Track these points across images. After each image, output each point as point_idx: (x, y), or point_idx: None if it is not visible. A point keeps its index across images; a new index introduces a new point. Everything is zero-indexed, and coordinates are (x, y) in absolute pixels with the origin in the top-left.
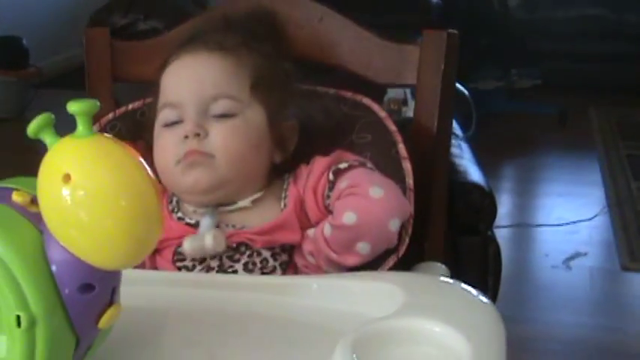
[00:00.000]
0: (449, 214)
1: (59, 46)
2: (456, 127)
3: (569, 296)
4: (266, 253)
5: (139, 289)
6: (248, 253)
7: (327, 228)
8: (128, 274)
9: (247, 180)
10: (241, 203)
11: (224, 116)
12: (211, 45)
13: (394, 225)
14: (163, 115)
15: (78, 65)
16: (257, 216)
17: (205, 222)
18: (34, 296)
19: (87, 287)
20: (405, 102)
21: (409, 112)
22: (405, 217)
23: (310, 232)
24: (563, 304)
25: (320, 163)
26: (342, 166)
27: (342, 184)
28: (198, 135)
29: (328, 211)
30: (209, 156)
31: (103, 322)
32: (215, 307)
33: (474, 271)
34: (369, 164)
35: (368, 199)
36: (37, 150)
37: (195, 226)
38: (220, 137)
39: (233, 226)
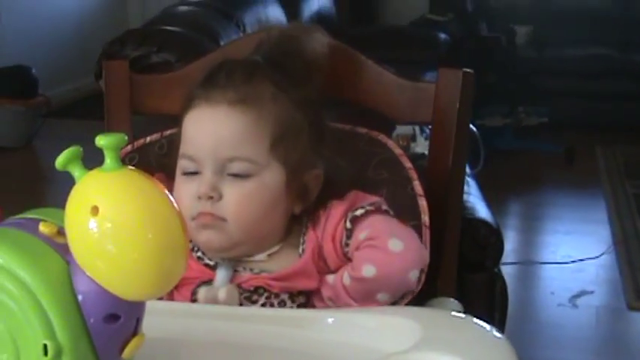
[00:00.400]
0: None
1: (68, 76)
2: None
3: (575, 335)
4: (284, 296)
5: (157, 319)
6: (266, 295)
7: (346, 277)
8: (148, 305)
9: (262, 240)
10: (258, 257)
11: (239, 176)
12: (232, 95)
13: (414, 276)
14: (182, 164)
15: (86, 95)
16: (275, 263)
17: (220, 275)
18: (60, 325)
19: (112, 317)
20: (413, 138)
21: (417, 147)
22: (425, 266)
23: (330, 278)
24: (569, 343)
25: (337, 208)
26: (359, 212)
27: (361, 234)
28: (211, 197)
29: (347, 258)
30: (221, 219)
31: (127, 352)
32: (231, 339)
33: (481, 307)
34: (384, 206)
35: (387, 252)
36: (45, 179)
37: (214, 268)
38: (233, 201)
39: (251, 269)
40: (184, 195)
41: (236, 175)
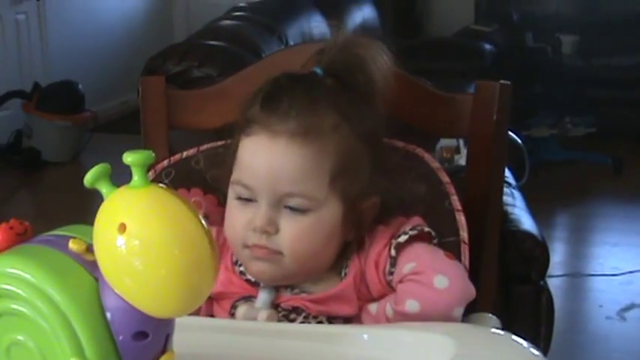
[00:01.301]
0: (501, 263)
1: (114, 91)
2: (508, 176)
3: (624, 348)
4: (321, 318)
5: (191, 335)
6: (304, 315)
7: (389, 309)
8: (181, 321)
9: (315, 271)
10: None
11: (297, 210)
12: (294, 126)
13: (458, 312)
14: (237, 190)
15: (132, 110)
16: (316, 285)
17: (262, 297)
18: (89, 343)
19: (141, 335)
20: (457, 150)
21: (461, 160)
22: (470, 300)
23: (372, 307)
24: (618, 356)
25: (382, 234)
26: (402, 239)
27: (406, 266)
28: (267, 232)
29: (390, 287)
30: (277, 253)
31: None
32: (266, 355)
33: (527, 320)
34: (427, 228)
35: (432, 289)
36: (91, 193)
37: (256, 285)
38: (290, 236)
39: (291, 289)
40: (238, 222)
41: (293, 209)
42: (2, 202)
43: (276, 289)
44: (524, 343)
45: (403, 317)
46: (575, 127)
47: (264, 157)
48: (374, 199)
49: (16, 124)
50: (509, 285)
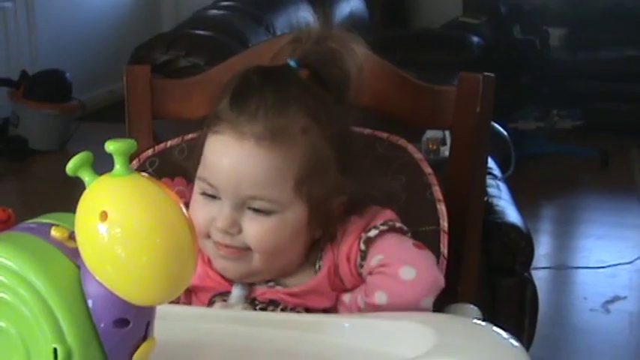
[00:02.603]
0: (486, 254)
1: (101, 79)
2: (494, 168)
3: (608, 341)
4: (299, 309)
5: (172, 323)
6: (281, 307)
7: (360, 300)
8: (162, 309)
9: (281, 269)
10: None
11: (261, 212)
12: (261, 129)
13: (427, 303)
14: (201, 185)
15: (120, 99)
16: (291, 278)
17: (236, 292)
18: (70, 329)
19: (122, 322)
20: (443, 141)
21: (447, 151)
22: (439, 291)
23: (345, 298)
24: (602, 349)
25: (354, 226)
26: (372, 234)
27: (374, 259)
28: (230, 233)
29: (362, 278)
30: (245, 249)
31: (138, 356)
32: (246, 343)
33: (511, 312)
34: (399, 223)
35: (398, 281)
36: (78, 182)
37: (231, 281)
38: (254, 236)
39: (266, 282)
40: (201, 217)
41: (257, 210)
42: None
43: (251, 283)
44: (505, 334)
45: (373, 309)
46: (562, 120)
47: (230, 159)
48: (341, 199)
49: (2, 112)
50: (494, 277)
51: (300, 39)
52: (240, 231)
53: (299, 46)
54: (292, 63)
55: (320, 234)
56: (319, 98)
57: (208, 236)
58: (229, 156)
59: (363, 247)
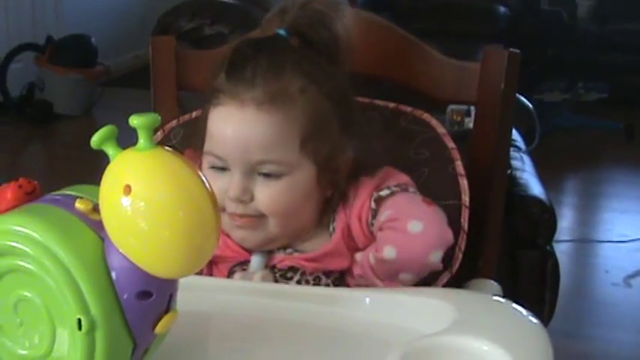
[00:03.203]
0: (508, 227)
1: (127, 45)
2: (518, 140)
3: (629, 314)
4: (318, 273)
5: (193, 294)
6: (300, 272)
7: (371, 257)
8: (183, 280)
9: (297, 231)
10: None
11: (271, 176)
12: (260, 94)
13: (436, 257)
14: (209, 160)
15: (145, 64)
16: (307, 243)
17: (255, 260)
18: (94, 300)
19: (145, 294)
20: (468, 113)
21: (471, 123)
22: (448, 247)
23: (358, 256)
24: (623, 322)
25: (365, 186)
26: (384, 193)
27: (383, 215)
28: (242, 201)
29: (374, 236)
30: (259, 216)
31: (160, 327)
32: (266, 315)
33: (532, 285)
34: (412, 188)
35: (406, 234)
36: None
37: (250, 250)
38: (266, 201)
39: (284, 249)
40: (214, 190)
41: (267, 175)
42: (15, 154)
43: (269, 251)
44: (524, 311)
45: (382, 263)
46: (588, 93)
47: (234, 127)
48: (347, 156)
49: (28, 76)
50: (516, 249)
51: (285, 9)
52: (252, 198)
53: (286, 16)
54: (282, 32)
55: (331, 193)
56: (312, 60)
57: (223, 209)
58: (232, 124)
59: (373, 205)
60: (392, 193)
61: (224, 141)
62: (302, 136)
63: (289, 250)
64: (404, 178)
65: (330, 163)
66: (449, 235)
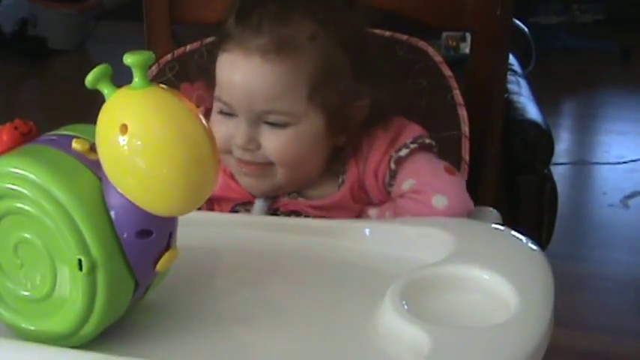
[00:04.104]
0: (505, 152)
1: None
2: (514, 64)
3: (626, 235)
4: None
5: (194, 230)
6: (303, 217)
7: (388, 217)
8: (183, 216)
9: (304, 179)
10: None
11: (277, 125)
12: (267, 42)
13: None
14: (218, 105)
15: None
16: (313, 189)
17: (259, 204)
18: (94, 241)
19: (144, 233)
20: (463, 38)
21: (467, 48)
22: (469, 215)
23: (372, 213)
24: (620, 243)
25: (380, 140)
26: (403, 153)
27: (405, 182)
28: (249, 149)
29: (390, 196)
30: (267, 164)
31: (161, 265)
32: (268, 248)
33: (530, 208)
34: (428, 139)
35: (431, 208)
36: None
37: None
38: (273, 150)
39: (288, 194)
40: (221, 134)
41: (273, 124)
42: (11, 90)
43: (270, 207)
44: (523, 239)
45: None
46: (584, 14)
47: (240, 76)
48: (362, 102)
49: (20, 12)
50: (514, 174)
51: None
52: (259, 146)
53: None
54: None
55: (343, 140)
56: (326, 3)
57: (230, 153)
58: (238, 73)
59: (393, 166)
60: (411, 152)
61: (231, 89)
62: (310, 85)
63: (294, 195)
64: (418, 129)
65: (342, 111)
66: (470, 205)
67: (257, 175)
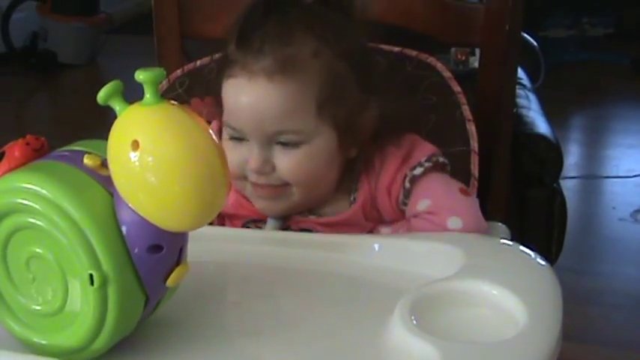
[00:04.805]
0: (515, 166)
1: None
2: (523, 78)
3: (637, 249)
4: None
5: (204, 244)
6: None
7: None
8: (199, 231)
9: (319, 196)
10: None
11: (289, 144)
12: (270, 64)
13: None
14: (228, 130)
15: (148, 11)
16: (325, 207)
17: (270, 224)
18: (105, 256)
19: (155, 248)
20: (472, 52)
21: (476, 62)
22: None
23: (385, 231)
24: (630, 258)
25: (393, 157)
26: (418, 172)
27: (420, 202)
28: (264, 173)
29: (403, 214)
30: (283, 185)
31: (171, 280)
32: (278, 263)
33: (540, 223)
34: (441, 158)
35: (446, 230)
36: None
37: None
38: (288, 170)
39: (300, 212)
40: (234, 160)
41: (285, 144)
42: (21, 104)
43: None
44: (532, 254)
45: None
46: (593, 28)
47: (246, 100)
48: (370, 112)
49: (31, 26)
50: (523, 188)
51: None
52: (273, 168)
53: None
54: None
55: (355, 153)
56: (325, 18)
57: (245, 178)
58: (245, 97)
59: (407, 185)
60: (425, 171)
61: (239, 113)
62: (318, 101)
63: (305, 213)
64: (431, 148)
65: (352, 122)
66: (485, 227)
67: (273, 198)
